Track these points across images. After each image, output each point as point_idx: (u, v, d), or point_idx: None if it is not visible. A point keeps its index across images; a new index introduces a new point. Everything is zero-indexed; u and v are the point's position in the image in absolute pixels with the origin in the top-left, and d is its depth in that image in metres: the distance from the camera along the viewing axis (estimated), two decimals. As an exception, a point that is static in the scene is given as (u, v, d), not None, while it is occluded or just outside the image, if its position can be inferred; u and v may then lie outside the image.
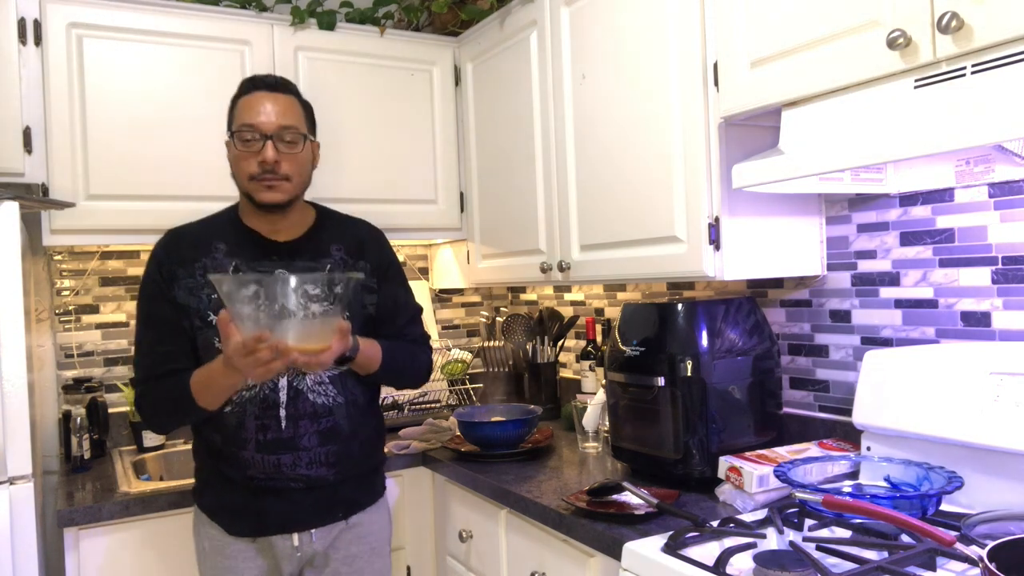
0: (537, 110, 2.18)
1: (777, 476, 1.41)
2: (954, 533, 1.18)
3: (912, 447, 1.50)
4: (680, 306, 1.71)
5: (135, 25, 2.14)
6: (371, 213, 2.43)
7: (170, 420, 1.62)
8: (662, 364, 1.69)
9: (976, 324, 1.52)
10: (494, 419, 2.18)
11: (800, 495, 1.32)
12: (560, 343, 2.68)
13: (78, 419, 2.16)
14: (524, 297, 3.02)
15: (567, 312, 2.72)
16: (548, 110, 2.13)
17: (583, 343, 2.59)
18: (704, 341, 1.67)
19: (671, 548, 1.28)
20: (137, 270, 2.48)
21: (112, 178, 2.11)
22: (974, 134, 1.09)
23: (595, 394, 2.16)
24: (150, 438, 2.32)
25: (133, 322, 2.45)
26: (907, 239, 1.63)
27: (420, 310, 1.81)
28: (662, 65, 1.71)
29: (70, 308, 2.41)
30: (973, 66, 1.14)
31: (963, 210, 1.53)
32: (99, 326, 2.44)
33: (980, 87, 1.13)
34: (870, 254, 1.71)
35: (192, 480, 1.72)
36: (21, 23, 2.01)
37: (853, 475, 1.50)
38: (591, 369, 2.48)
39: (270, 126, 1.53)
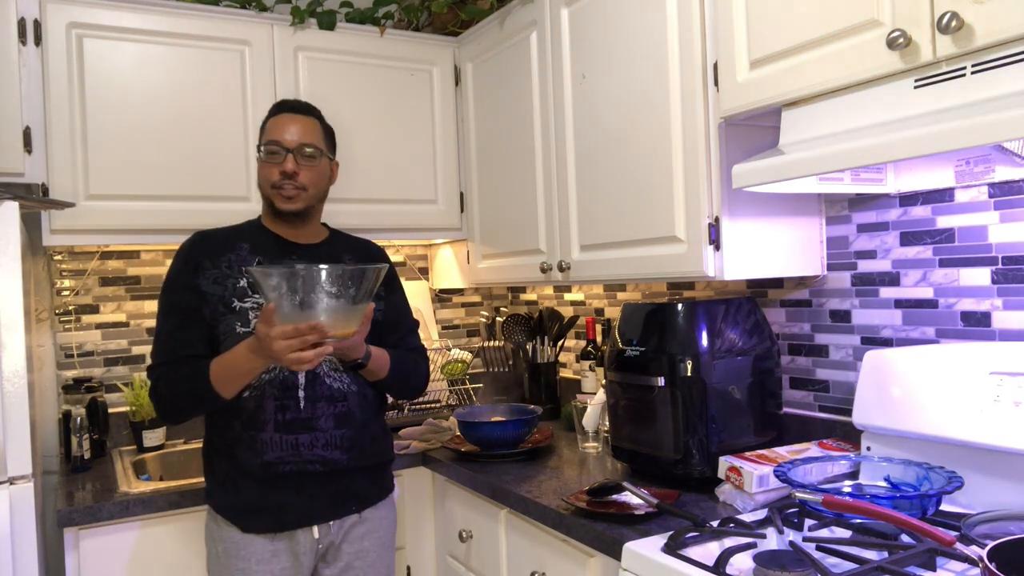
0: (537, 110, 2.18)
1: (777, 476, 1.41)
2: (954, 533, 1.18)
3: (912, 447, 1.51)
4: (680, 306, 1.71)
5: (135, 25, 2.15)
6: (371, 213, 2.45)
7: (185, 405, 1.64)
8: (662, 364, 1.69)
9: (976, 324, 1.52)
10: (494, 419, 2.18)
11: (800, 495, 1.32)
12: (560, 343, 2.68)
13: (78, 419, 2.16)
14: (524, 297, 3.02)
15: (567, 312, 2.72)
16: (548, 110, 2.13)
17: (583, 343, 2.59)
18: (704, 341, 1.67)
19: (671, 548, 1.28)
20: (137, 270, 2.48)
21: (112, 178, 2.12)
22: (974, 134, 1.09)
23: (595, 394, 2.16)
24: (150, 438, 2.32)
25: (133, 322, 2.49)
26: (907, 239, 1.63)
27: (417, 323, 1.95)
28: (662, 65, 1.71)
29: (70, 308, 2.41)
30: (973, 66, 1.14)
31: (963, 210, 1.53)
32: (99, 326, 2.44)
33: (980, 87, 1.13)
34: (870, 254, 1.71)
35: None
36: (21, 23, 2.01)
37: (853, 475, 1.50)
38: (591, 369, 2.49)
39: (292, 142, 1.70)
